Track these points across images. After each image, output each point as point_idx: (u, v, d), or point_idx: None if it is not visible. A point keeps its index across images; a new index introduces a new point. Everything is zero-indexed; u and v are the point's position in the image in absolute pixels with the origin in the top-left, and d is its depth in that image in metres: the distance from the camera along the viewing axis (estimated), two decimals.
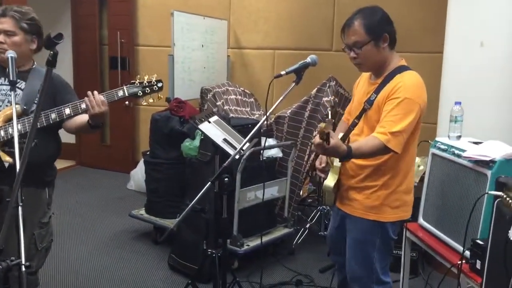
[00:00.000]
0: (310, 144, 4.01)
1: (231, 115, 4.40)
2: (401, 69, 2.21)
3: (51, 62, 1.43)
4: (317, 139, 1.94)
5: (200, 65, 5.08)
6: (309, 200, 4.93)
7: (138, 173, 5.36)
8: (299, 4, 5.37)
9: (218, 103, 4.52)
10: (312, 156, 3.98)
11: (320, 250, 3.91)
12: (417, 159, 3.96)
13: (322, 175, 2.40)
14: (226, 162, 2.22)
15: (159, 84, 2.39)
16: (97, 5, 6.19)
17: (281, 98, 2.30)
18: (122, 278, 3.51)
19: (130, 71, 5.97)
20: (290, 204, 3.96)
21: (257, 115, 4.59)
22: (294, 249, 3.93)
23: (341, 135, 2.36)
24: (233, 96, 4.67)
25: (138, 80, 2.37)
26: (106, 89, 6.37)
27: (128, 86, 2.35)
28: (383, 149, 2.10)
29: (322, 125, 1.95)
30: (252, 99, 4.81)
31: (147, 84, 2.37)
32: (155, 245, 4.02)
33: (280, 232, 3.82)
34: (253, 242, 3.59)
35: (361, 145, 2.10)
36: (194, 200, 2.22)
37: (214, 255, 2.82)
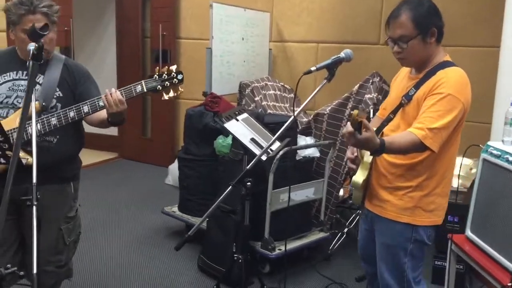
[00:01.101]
0: None
1: (269, 111, 4.22)
2: (444, 64, 2.04)
3: (36, 56, 1.28)
4: (348, 127, 1.76)
5: (240, 58, 4.92)
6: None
7: (176, 168, 5.24)
8: None
9: (256, 98, 4.35)
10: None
11: (358, 256, 3.68)
12: (470, 161, 3.65)
13: (353, 166, 2.21)
14: (249, 165, 2.05)
15: (179, 76, 2.26)
16: None
17: (311, 96, 2.12)
18: (150, 277, 3.42)
19: (171, 64, 5.88)
20: (327, 206, 3.75)
21: (296, 112, 4.38)
22: (330, 254, 3.72)
23: (373, 129, 2.16)
24: (272, 92, 4.49)
25: (157, 73, 2.24)
26: None
27: (146, 80, 2.24)
28: (419, 146, 1.93)
29: (355, 112, 1.73)
30: (292, 95, 4.61)
31: (166, 77, 2.24)
32: (186, 244, 3.90)
33: (315, 236, 3.62)
34: (287, 246, 3.41)
35: (395, 140, 1.93)
36: (214, 205, 2.07)
37: (239, 260, 2.66)
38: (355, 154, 2.18)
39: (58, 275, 2.52)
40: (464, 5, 4.53)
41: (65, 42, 5.53)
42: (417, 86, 2.04)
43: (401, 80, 2.20)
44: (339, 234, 3.82)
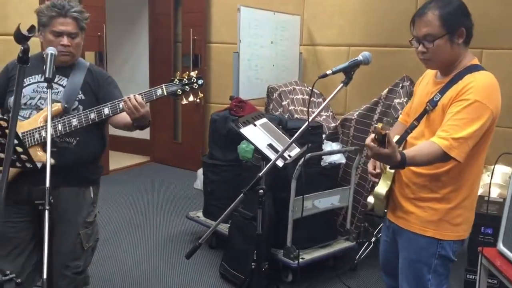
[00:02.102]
0: None
1: (296, 116, 4.14)
2: (472, 68, 1.91)
3: (23, 59, 1.25)
4: (370, 141, 1.68)
5: (269, 62, 4.86)
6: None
7: None
8: None
9: (284, 103, 4.28)
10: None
11: None
12: (509, 169, 3.44)
13: (375, 180, 2.12)
14: (262, 171, 1.98)
15: (199, 81, 2.25)
16: (172, 2, 6.20)
17: (327, 101, 2.04)
18: (172, 284, 3.40)
19: (201, 68, 5.90)
20: (353, 214, 3.63)
21: (324, 117, 4.29)
22: (357, 264, 3.59)
23: (396, 137, 2.07)
24: (300, 96, 4.40)
25: (177, 78, 2.23)
26: None
27: (167, 84, 2.24)
28: (443, 157, 1.81)
29: (379, 125, 1.67)
30: (320, 99, 4.51)
31: (186, 81, 2.23)
32: (211, 250, 3.88)
33: (340, 245, 3.50)
34: (310, 255, 3.32)
35: (417, 153, 1.81)
36: (226, 212, 2.01)
37: (257, 268, 2.58)
38: (377, 170, 2.08)
39: (76, 282, 2.50)
40: (498, 6, 4.31)
41: (99, 47, 5.62)
42: (442, 91, 1.92)
43: (426, 84, 2.07)
44: (366, 244, 3.68)
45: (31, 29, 1.23)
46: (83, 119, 2.22)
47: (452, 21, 1.85)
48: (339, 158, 3.53)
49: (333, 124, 4.11)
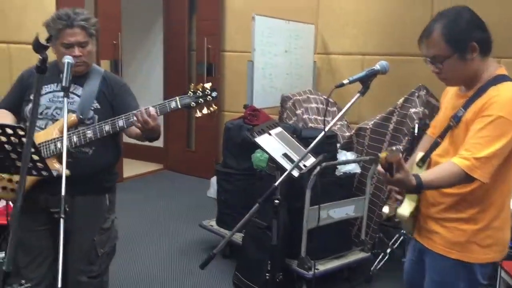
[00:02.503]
0: None
1: (310, 124, 4.12)
2: (497, 79, 1.79)
3: (41, 69, 1.26)
4: (380, 169, 1.68)
5: (283, 71, 4.85)
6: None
7: None
8: (391, 5, 4.93)
9: (298, 111, 4.26)
10: None
11: (402, 279, 3.48)
12: None
13: (399, 198, 2.02)
14: (277, 181, 1.96)
15: (213, 94, 2.24)
16: (187, 10, 6.23)
17: (343, 110, 2.00)
18: None
19: (215, 77, 5.91)
20: (368, 225, 3.59)
21: (338, 125, 4.26)
22: (372, 276, 3.54)
23: (421, 155, 1.99)
24: (314, 105, 4.38)
25: (191, 90, 2.23)
26: None
27: (181, 97, 2.23)
28: (465, 178, 1.72)
29: (383, 154, 1.66)
30: (334, 108, 4.48)
31: (200, 94, 2.23)
32: (224, 259, 3.86)
33: (355, 256, 3.46)
34: (324, 266, 3.28)
35: (435, 176, 1.73)
36: (241, 222, 1.99)
37: (272, 279, 2.56)
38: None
39: (91, 286, 2.49)
40: None
41: (114, 55, 5.66)
42: (466, 106, 1.81)
43: (451, 97, 1.97)
44: (381, 255, 3.63)
45: (50, 38, 1.23)
46: (97, 131, 2.23)
47: (459, 39, 1.75)
48: (354, 168, 3.49)
49: (347, 133, 4.09)
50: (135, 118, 2.18)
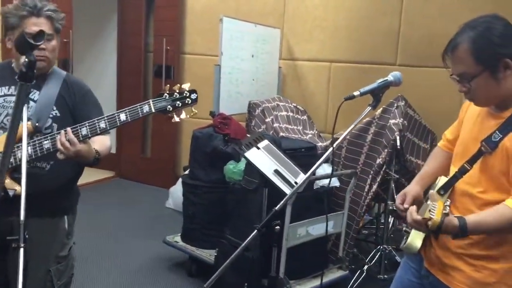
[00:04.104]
0: (372, 172, 3.46)
1: (281, 133, 3.91)
2: None
3: (26, 75, 0.95)
4: (419, 220, 1.55)
5: (249, 76, 4.64)
6: (364, 232, 4.37)
7: (178, 191, 4.93)
8: (360, 12, 4.83)
9: (267, 119, 4.05)
10: (374, 186, 3.43)
11: None
12: None
13: (403, 216, 1.75)
14: (278, 206, 1.73)
15: (193, 96, 1.96)
16: (144, 10, 5.88)
17: (352, 127, 1.80)
18: None
19: (174, 80, 5.60)
20: (345, 241, 3.42)
21: (310, 135, 4.08)
22: None
23: (443, 181, 1.74)
24: (284, 113, 4.18)
25: (167, 92, 1.94)
26: (149, 97, 6.04)
27: (155, 100, 1.93)
28: None
29: (436, 221, 1.48)
30: (305, 117, 4.31)
31: (178, 96, 1.94)
32: (189, 278, 3.57)
33: (333, 274, 3.29)
34: (302, 286, 3.08)
35: (483, 220, 1.54)
36: (236, 252, 1.75)
37: None
38: (406, 205, 1.72)
39: None
40: None
41: (64, 54, 5.23)
42: (503, 130, 1.57)
43: (478, 113, 1.70)
44: (358, 272, 3.47)
45: (39, 35, 0.93)
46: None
47: (489, 55, 1.53)
48: (333, 181, 3.32)
49: (320, 144, 3.91)
50: (104, 124, 1.90)
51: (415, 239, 1.74)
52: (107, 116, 1.91)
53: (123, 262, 3.82)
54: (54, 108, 2.03)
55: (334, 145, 1.76)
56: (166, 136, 5.83)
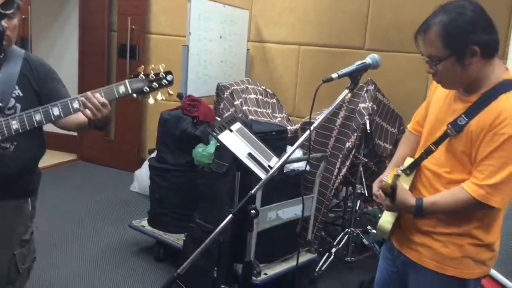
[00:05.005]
0: (341, 156, 3.47)
1: (250, 117, 3.87)
2: (505, 85, 1.58)
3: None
4: (382, 197, 1.74)
5: (217, 58, 4.55)
6: (331, 215, 4.40)
7: (143, 174, 4.84)
8: None
9: (236, 102, 3.99)
10: (343, 170, 3.44)
11: (348, 280, 3.40)
12: None
13: (379, 202, 1.83)
14: (254, 189, 1.69)
15: (169, 77, 1.94)
16: None
17: (329, 110, 1.76)
18: None
19: (139, 61, 5.45)
20: (314, 224, 3.43)
21: (279, 118, 4.05)
22: (317, 277, 3.40)
23: (409, 161, 1.78)
24: (253, 96, 4.13)
25: (142, 73, 1.89)
26: (113, 78, 5.87)
27: (131, 80, 1.89)
28: (476, 205, 1.59)
29: (389, 181, 1.65)
30: (274, 100, 4.27)
31: (154, 77, 1.90)
32: (157, 263, 3.51)
33: (302, 257, 3.28)
34: (273, 270, 3.07)
35: (439, 200, 1.64)
36: (209, 238, 1.70)
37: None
38: (381, 192, 1.77)
39: None
40: None
41: (22, 31, 4.99)
42: (469, 114, 1.60)
43: (446, 95, 1.73)
44: (326, 255, 3.50)
45: (9, 3, 0.84)
46: (26, 122, 1.83)
47: (458, 40, 1.55)
48: (302, 165, 3.30)
49: (289, 127, 3.89)
50: (77, 105, 1.83)
51: (386, 222, 1.80)
52: (81, 96, 1.85)
53: (87, 247, 3.72)
54: (16, 88, 1.94)
55: (312, 128, 1.73)
56: (130, 118, 5.68)
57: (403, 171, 1.75)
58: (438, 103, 1.76)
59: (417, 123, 1.91)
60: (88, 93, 1.84)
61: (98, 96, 1.83)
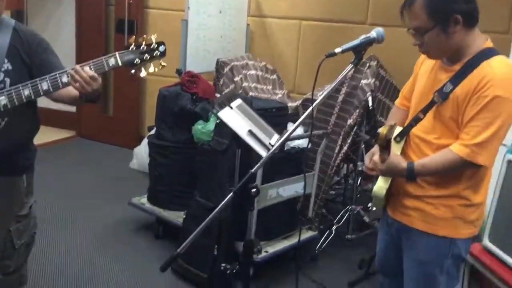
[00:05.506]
0: (342, 133, 3.42)
1: (250, 93, 3.81)
2: (486, 53, 1.69)
3: None
4: (374, 154, 1.77)
5: (217, 33, 4.46)
6: (332, 192, 4.37)
7: (142, 151, 4.80)
8: None
9: (236, 78, 3.93)
10: (345, 148, 3.41)
11: (348, 258, 3.39)
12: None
13: (372, 173, 1.90)
14: (255, 168, 1.66)
15: (161, 48, 1.88)
16: None
17: (333, 85, 1.72)
18: (116, 280, 3.01)
19: (137, 36, 5.33)
20: (315, 201, 3.41)
21: (279, 95, 4.00)
22: (318, 255, 3.39)
23: (399, 129, 1.85)
24: (253, 72, 4.07)
25: (134, 44, 1.84)
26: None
27: (122, 52, 1.84)
28: (463, 165, 1.68)
29: (384, 131, 1.63)
30: (274, 76, 4.21)
31: (145, 48, 1.85)
32: (156, 240, 3.50)
33: (303, 235, 3.27)
34: (274, 247, 3.07)
35: (429, 162, 1.72)
36: (211, 216, 1.68)
37: (228, 271, 2.28)
38: (373, 164, 1.83)
39: (8, 284, 2.13)
40: None
41: (18, 4, 4.88)
42: (454, 81, 1.70)
43: (431, 67, 1.83)
44: (326, 233, 3.48)
45: None
46: (14, 97, 1.80)
47: (440, 11, 1.64)
48: (303, 142, 3.26)
49: (290, 104, 3.84)
50: (66, 79, 1.80)
51: (380, 188, 1.87)
52: (73, 69, 1.81)
53: (87, 225, 3.70)
54: (6, 61, 1.89)
55: (314, 105, 1.69)
56: (129, 94, 5.61)
57: (394, 138, 1.82)
58: (424, 76, 1.84)
59: (404, 97, 2.00)
60: (77, 66, 1.81)
61: (87, 70, 1.79)
